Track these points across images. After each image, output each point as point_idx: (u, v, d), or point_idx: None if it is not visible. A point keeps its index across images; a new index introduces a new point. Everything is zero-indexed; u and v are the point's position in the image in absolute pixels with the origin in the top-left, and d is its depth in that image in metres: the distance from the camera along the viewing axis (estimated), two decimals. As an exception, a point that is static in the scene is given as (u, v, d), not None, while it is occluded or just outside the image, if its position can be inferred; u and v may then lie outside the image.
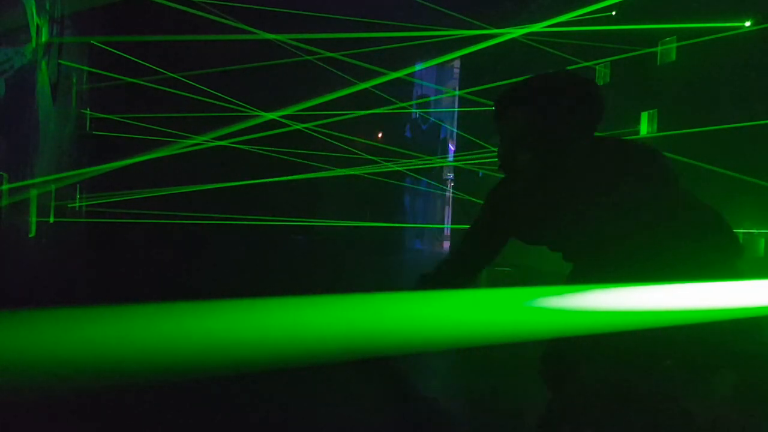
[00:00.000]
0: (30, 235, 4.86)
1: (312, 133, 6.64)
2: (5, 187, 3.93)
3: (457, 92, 10.90)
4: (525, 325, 1.07)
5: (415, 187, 11.51)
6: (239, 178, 7.01)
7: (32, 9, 4.45)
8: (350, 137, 8.07)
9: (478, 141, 7.70)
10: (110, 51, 7.20)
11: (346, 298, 0.94)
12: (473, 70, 10.13)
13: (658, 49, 6.68)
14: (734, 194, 5.36)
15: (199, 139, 6.18)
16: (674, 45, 6.50)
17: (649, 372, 1.73)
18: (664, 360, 1.79)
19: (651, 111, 6.83)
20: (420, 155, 9.18)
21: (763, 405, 1.74)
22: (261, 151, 6.96)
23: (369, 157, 8.12)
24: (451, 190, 11.56)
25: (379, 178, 9.02)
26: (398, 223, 10.97)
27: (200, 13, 5.67)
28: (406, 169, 8.68)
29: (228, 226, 7.59)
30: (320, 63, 6.90)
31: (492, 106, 1.79)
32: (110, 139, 7.69)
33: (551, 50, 6.83)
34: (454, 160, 10.91)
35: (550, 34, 6.40)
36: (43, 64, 5.00)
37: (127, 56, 7.05)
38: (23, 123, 4.59)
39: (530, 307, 1.09)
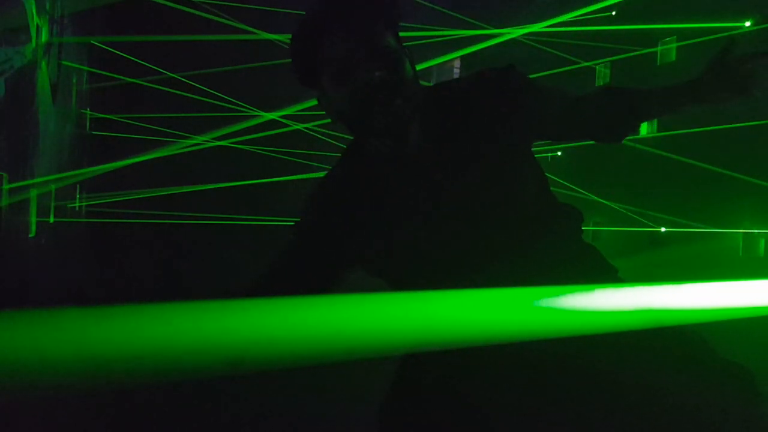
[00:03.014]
0: (30, 235, 4.86)
1: (312, 133, 6.64)
2: (5, 187, 3.94)
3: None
4: (525, 325, 1.07)
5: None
6: (239, 178, 7.01)
7: (32, 9, 4.45)
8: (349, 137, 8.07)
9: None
10: (110, 51, 7.20)
11: (347, 298, 0.95)
12: (473, 70, 10.12)
13: (658, 49, 6.68)
14: (734, 194, 5.37)
15: (199, 139, 6.19)
16: (674, 45, 6.50)
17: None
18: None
19: (651, 111, 6.83)
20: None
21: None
22: (261, 151, 6.96)
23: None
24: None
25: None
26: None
27: (200, 13, 5.67)
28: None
29: (228, 226, 7.59)
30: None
31: None
32: (110, 139, 7.69)
33: (551, 50, 6.83)
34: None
35: (550, 34, 6.40)
36: (43, 64, 5.00)
37: (127, 56, 7.05)
38: (23, 123, 4.59)
39: (530, 307, 1.09)
